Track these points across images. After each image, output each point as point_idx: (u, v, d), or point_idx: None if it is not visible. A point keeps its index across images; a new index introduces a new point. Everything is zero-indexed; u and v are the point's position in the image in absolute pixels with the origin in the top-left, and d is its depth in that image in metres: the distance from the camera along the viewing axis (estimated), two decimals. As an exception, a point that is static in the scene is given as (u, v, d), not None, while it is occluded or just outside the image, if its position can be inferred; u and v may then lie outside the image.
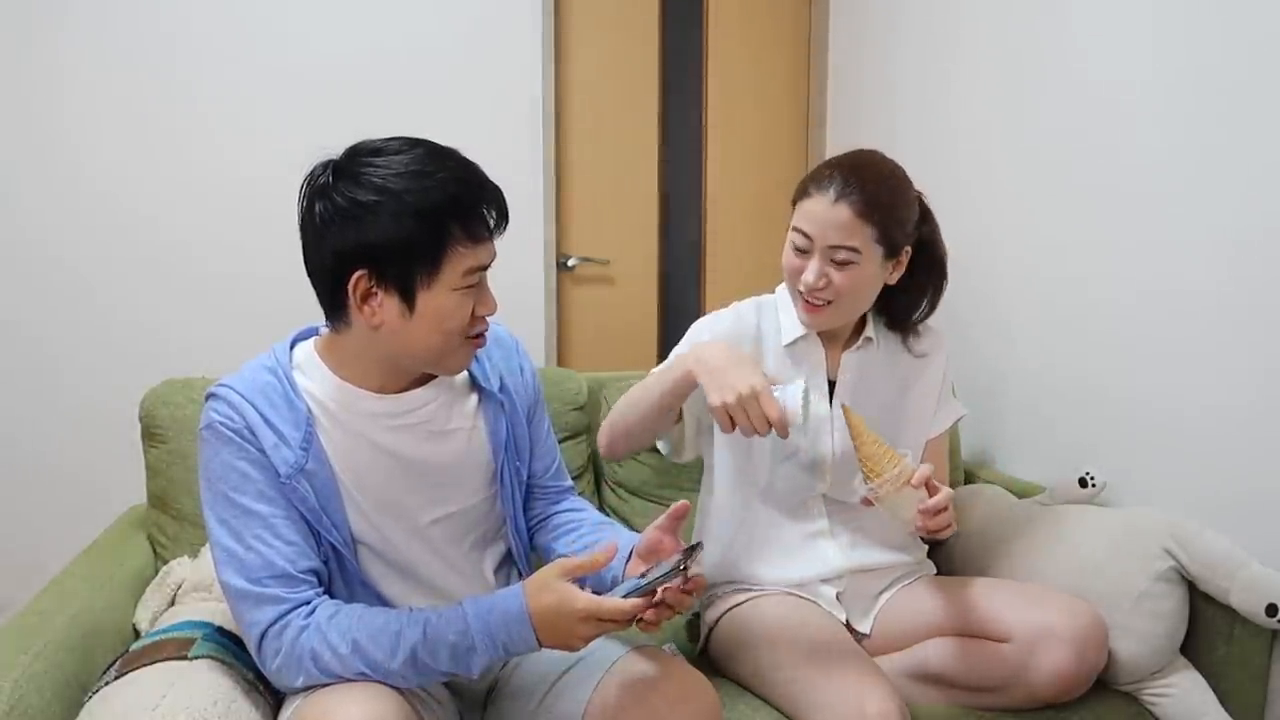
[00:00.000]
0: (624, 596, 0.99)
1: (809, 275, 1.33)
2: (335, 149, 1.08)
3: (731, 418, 1.16)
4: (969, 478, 1.87)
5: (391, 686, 1.00)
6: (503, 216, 1.08)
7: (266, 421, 1.06)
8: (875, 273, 1.36)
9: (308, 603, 1.03)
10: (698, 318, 1.59)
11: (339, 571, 1.11)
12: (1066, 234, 1.70)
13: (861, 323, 1.47)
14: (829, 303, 1.35)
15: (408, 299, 1.03)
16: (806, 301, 1.37)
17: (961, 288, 2.01)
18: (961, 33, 2.00)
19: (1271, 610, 1.23)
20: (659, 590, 1.00)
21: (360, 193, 1.01)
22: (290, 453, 1.06)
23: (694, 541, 1.03)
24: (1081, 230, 1.67)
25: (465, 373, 1.20)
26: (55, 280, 2.09)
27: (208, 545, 1.31)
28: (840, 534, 1.48)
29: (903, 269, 1.40)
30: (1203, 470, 1.44)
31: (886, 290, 1.42)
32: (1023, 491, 1.69)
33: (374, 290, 1.03)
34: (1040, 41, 1.76)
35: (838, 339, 1.47)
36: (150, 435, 1.54)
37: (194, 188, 2.14)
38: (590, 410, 1.76)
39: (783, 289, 1.48)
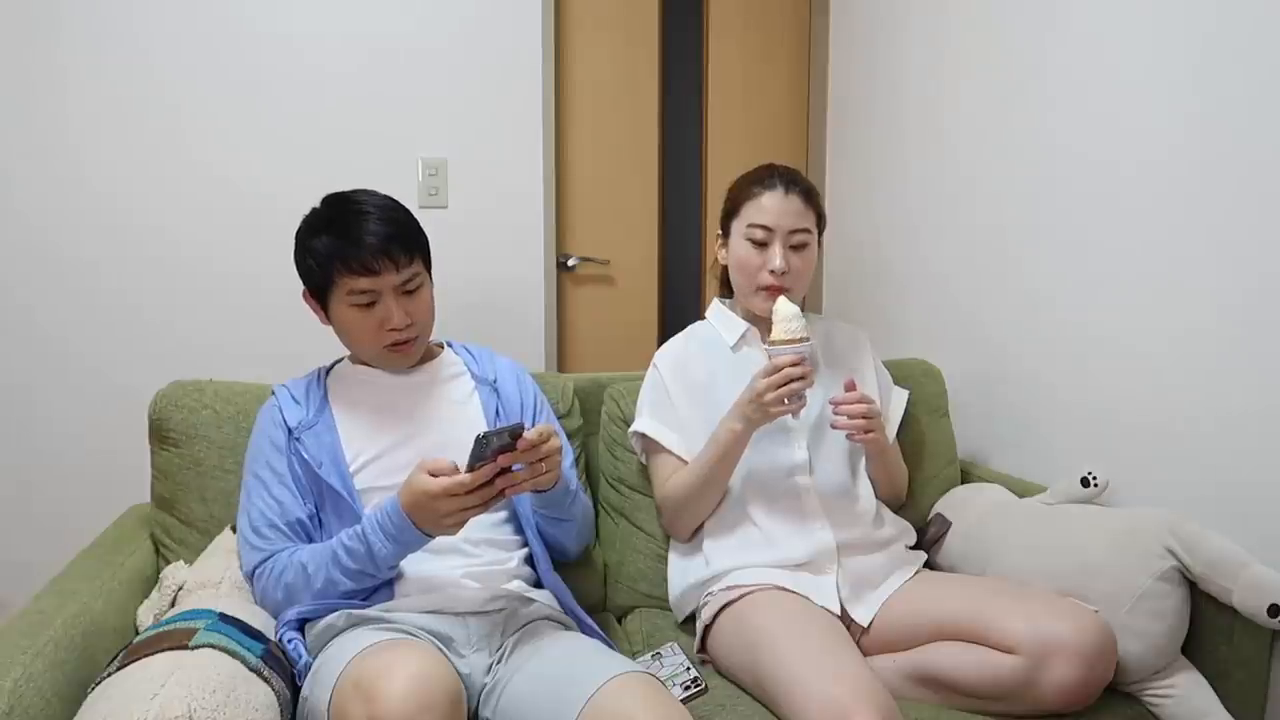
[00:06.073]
0: (466, 470, 1.15)
1: (776, 260, 1.53)
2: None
3: (788, 405, 1.42)
4: (969, 476, 1.87)
5: (438, 648, 1.19)
6: (391, 260, 1.35)
7: (293, 398, 1.44)
8: (816, 252, 1.60)
9: (288, 550, 1.32)
10: (698, 318, 1.75)
11: (335, 515, 1.35)
12: (1067, 234, 1.70)
13: None
14: (788, 288, 1.54)
15: (324, 307, 1.42)
16: (769, 289, 1.55)
17: (963, 286, 2.01)
18: (961, 33, 2.00)
19: (1274, 611, 1.23)
20: (499, 459, 1.16)
21: (302, 228, 1.42)
22: (303, 413, 1.41)
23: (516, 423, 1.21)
24: (1082, 230, 1.67)
25: (464, 367, 1.54)
26: (55, 282, 2.09)
27: (208, 548, 1.47)
28: (829, 512, 1.53)
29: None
30: (1205, 470, 1.44)
31: None
32: (1024, 490, 1.69)
33: (313, 301, 1.44)
34: (1040, 43, 1.76)
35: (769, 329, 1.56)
36: (161, 438, 1.54)
37: (203, 190, 2.14)
38: (588, 411, 1.76)
39: (712, 312, 1.69)
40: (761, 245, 1.55)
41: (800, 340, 1.41)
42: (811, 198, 1.59)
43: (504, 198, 2.33)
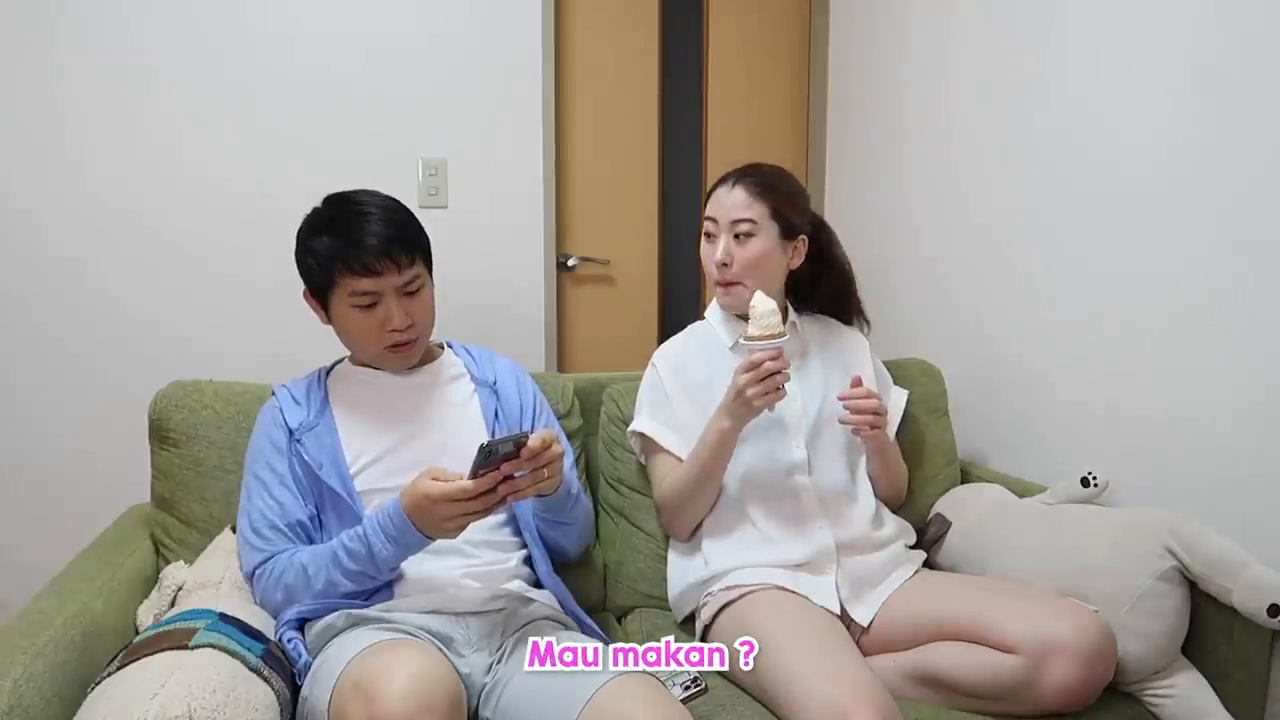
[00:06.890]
0: (469, 477, 1.16)
1: (718, 253, 1.56)
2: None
3: (769, 396, 1.42)
4: (969, 476, 1.86)
5: (438, 648, 1.19)
6: (393, 261, 1.35)
7: (294, 399, 1.44)
8: (774, 249, 1.56)
9: (288, 551, 1.32)
10: (698, 318, 1.74)
11: (335, 516, 1.35)
12: (1066, 234, 1.70)
13: (784, 315, 1.61)
14: (738, 282, 1.55)
15: (324, 307, 1.42)
16: (720, 284, 1.58)
17: (963, 286, 2.02)
18: (960, 33, 2.00)
19: (1273, 610, 1.23)
20: (502, 467, 1.17)
21: (303, 227, 1.42)
22: (304, 414, 1.41)
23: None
24: (1081, 230, 1.67)
25: (464, 368, 1.54)
26: (54, 282, 2.09)
27: (208, 548, 1.47)
28: (828, 512, 1.53)
29: (802, 255, 1.61)
30: (1204, 470, 1.44)
31: (803, 288, 1.68)
32: (1024, 490, 1.69)
33: (313, 301, 1.44)
34: (1039, 43, 1.76)
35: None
36: (161, 438, 1.54)
37: (202, 191, 2.14)
38: (587, 411, 1.76)
39: (711, 312, 1.69)
40: (712, 238, 1.59)
41: (777, 335, 1.42)
42: (766, 191, 1.56)
43: (504, 198, 2.33)
